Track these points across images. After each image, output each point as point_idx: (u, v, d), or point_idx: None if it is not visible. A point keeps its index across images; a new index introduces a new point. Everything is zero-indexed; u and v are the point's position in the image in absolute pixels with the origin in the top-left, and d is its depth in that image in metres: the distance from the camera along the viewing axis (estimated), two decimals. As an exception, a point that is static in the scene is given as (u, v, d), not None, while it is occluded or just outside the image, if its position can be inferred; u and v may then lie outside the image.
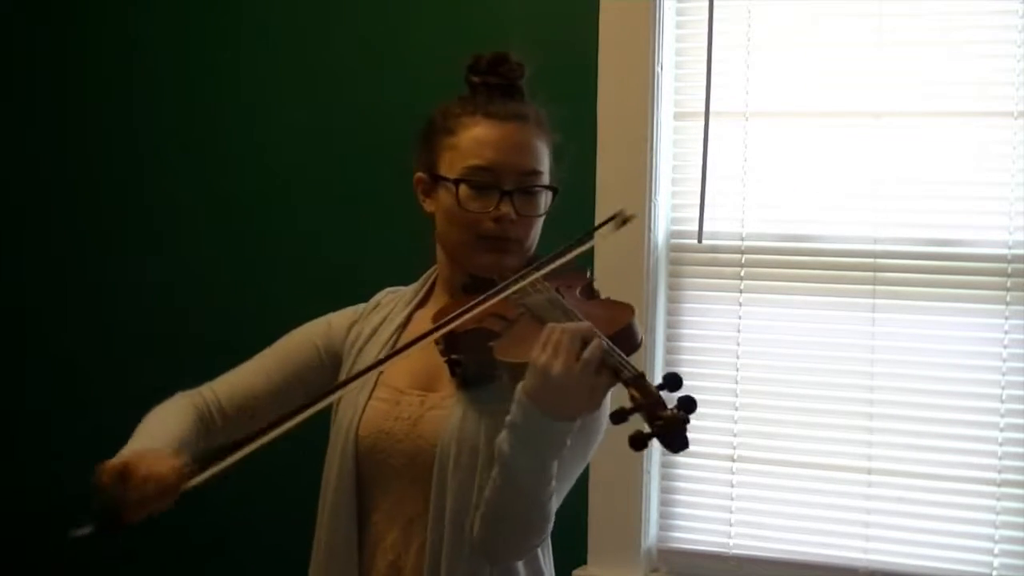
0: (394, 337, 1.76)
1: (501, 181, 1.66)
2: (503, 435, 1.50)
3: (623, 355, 1.44)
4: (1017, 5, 2.32)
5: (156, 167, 2.93)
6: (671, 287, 2.54)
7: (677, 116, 2.54)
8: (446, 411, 1.65)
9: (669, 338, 2.55)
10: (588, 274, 1.73)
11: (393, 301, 1.83)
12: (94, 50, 2.98)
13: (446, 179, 1.69)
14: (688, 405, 1.39)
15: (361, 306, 1.85)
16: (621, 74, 2.50)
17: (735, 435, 2.51)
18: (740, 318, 2.50)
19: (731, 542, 2.53)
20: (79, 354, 3.01)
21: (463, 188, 1.67)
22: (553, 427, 1.47)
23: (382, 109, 2.67)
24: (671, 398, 1.39)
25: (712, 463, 2.53)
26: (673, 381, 1.42)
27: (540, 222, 1.71)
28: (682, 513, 2.56)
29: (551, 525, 1.59)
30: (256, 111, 2.83)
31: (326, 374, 1.79)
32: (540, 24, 2.58)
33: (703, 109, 2.47)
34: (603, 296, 1.71)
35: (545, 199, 1.71)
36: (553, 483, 1.53)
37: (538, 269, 1.62)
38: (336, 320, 1.84)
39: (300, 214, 2.80)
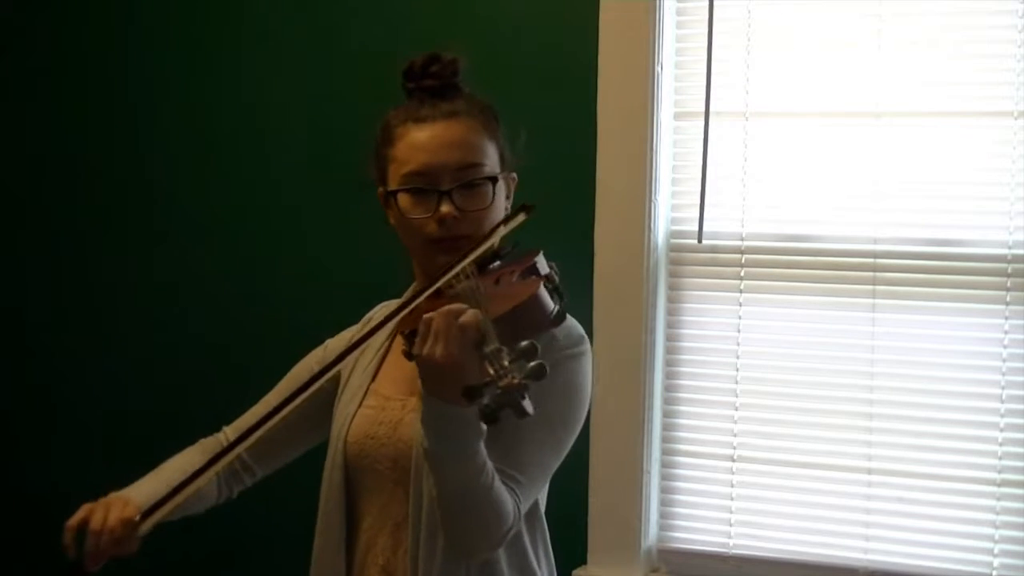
0: (383, 348, 1.79)
1: (437, 182, 1.66)
2: (421, 432, 1.52)
3: (492, 333, 1.43)
4: (1017, 5, 2.32)
5: (156, 167, 2.93)
6: (671, 287, 2.54)
7: (677, 116, 2.54)
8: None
9: (669, 338, 2.55)
10: (536, 256, 1.67)
11: (383, 314, 1.83)
12: (94, 50, 2.98)
13: (388, 191, 1.70)
14: (536, 372, 1.37)
15: (356, 326, 1.87)
16: (621, 74, 2.50)
17: (735, 435, 2.51)
18: (740, 318, 2.50)
19: (731, 542, 2.53)
20: (79, 354, 3.01)
21: (403, 197, 1.68)
22: (457, 413, 1.47)
23: (382, 109, 2.67)
24: (525, 367, 1.38)
25: (712, 463, 2.53)
26: (529, 351, 1.39)
27: (493, 212, 1.69)
28: (682, 513, 2.56)
29: (512, 513, 1.58)
30: (257, 111, 2.84)
31: (332, 398, 1.81)
32: (540, 24, 2.58)
33: (703, 109, 2.47)
34: (550, 272, 1.66)
35: (495, 189, 1.69)
36: (487, 469, 1.53)
37: (462, 260, 1.61)
38: (332, 343, 1.87)
39: (301, 214, 2.80)
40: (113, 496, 1.69)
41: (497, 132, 1.73)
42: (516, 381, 1.36)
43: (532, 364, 1.38)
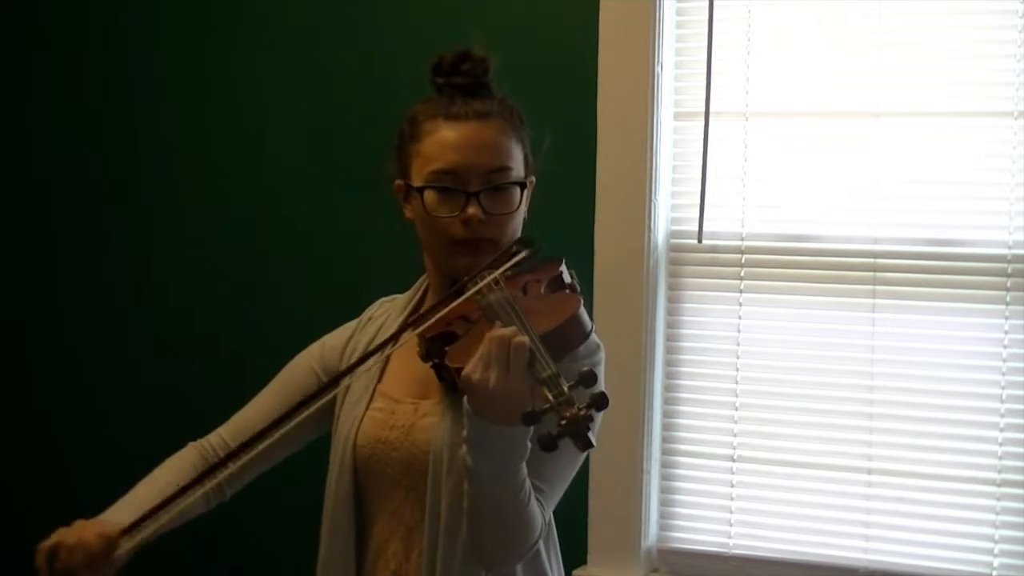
0: (388, 347, 1.75)
1: (466, 183, 1.64)
2: (463, 449, 1.50)
3: (546, 355, 1.42)
4: (1017, 5, 2.32)
5: (156, 167, 2.93)
6: (671, 287, 2.54)
7: (677, 116, 2.54)
8: (438, 417, 1.65)
9: (669, 338, 2.55)
10: (561, 265, 1.69)
11: (387, 311, 1.82)
12: (94, 50, 2.98)
13: (413, 187, 1.68)
14: (599, 402, 1.36)
15: (354, 322, 1.85)
16: (621, 74, 2.50)
17: (735, 435, 2.51)
18: (740, 318, 2.50)
19: (731, 542, 2.53)
20: (79, 355, 3.01)
21: (429, 194, 1.65)
22: (506, 434, 1.46)
23: (382, 109, 2.67)
24: (586, 395, 1.37)
25: (712, 463, 2.53)
26: (587, 379, 1.38)
27: (516, 217, 1.68)
28: (682, 513, 2.56)
29: (540, 527, 1.58)
30: (257, 112, 2.84)
31: (332, 398, 1.78)
32: (540, 24, 2.58)
33: (703, 109, 2.47)
34: (572, 281, 1.68)
35: (519, 194, 1.68)
36: (526, 486, 1.52)
37: (493, 268, 1.60)
38: (330, 340, 1.84)
39: (300, 214, 2.80)
40: (88, 520, 1.65)
41: (524, 136, 1.72)
42: (582, 413, 1.33)
43: (594, 392, 1.36)
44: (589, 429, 1.34)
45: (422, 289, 1.80)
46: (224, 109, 2.87)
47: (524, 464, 1.51)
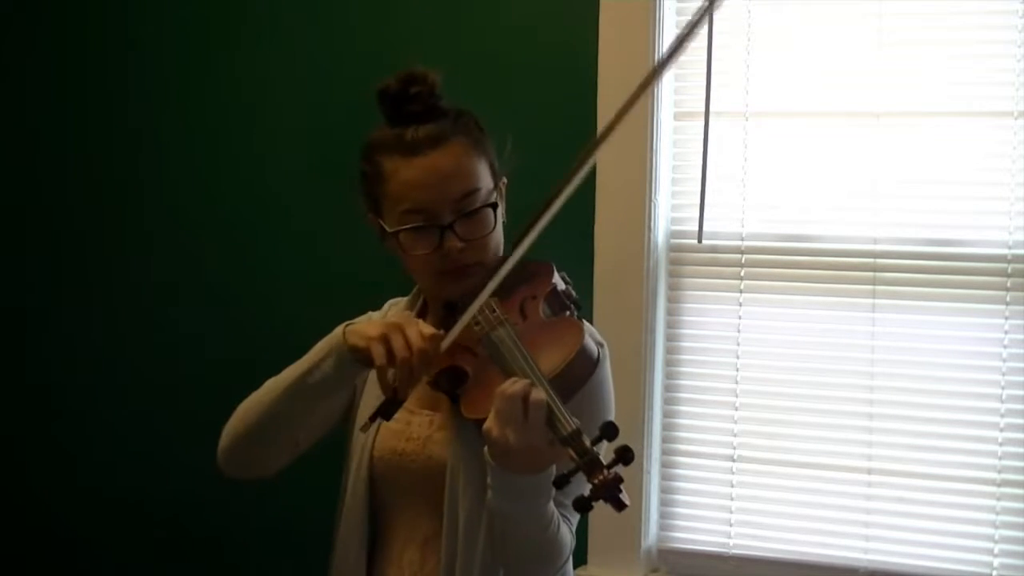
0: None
1: (437, 217, 1.61)
2: (489, 494, 1.51)
3: (563, 409, 1.41)
4: (1017, 5, 2.32)
5: (155, 167, 2.93)
6: (671, 287, 2.54)
7: (677, 116, 2.54)
8: (452, 431, 1.64)
9: (669, 338, 2.55)
10: (553, 274, 1.67)
11: (394, 312, 1.81)
12: (94, 50, 2.98)
13: (386, 231, 1.66)
14: (624, 457, 1.34)
15: (376, 315, 1.83)
16: (621, 74, 2.50)
17: (735, 435, 2.51)
18: (740, 318, 2.50)
19: (731, 542, 2.53)
20: (79, 354, 3.01)
21: (403, 235, 1.64)
22: (527, 480, 1.47)
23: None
24: (609, 449, 1.37)
25: (712, 463, 2.53)
26: (609, 431, 1.37)
27: (496, 235, 1.66)
28: (682, 513, 2.56)
29: (570, 547, 1.60)
30: (255, 111, 2.84)
31: (350, 398, 1.77)
32: (540, 24, 2.58)
33: (703, 109, 2.46)
34: (567, 287, 1.67)
35: (496, 213, 1.66)
36: (555, 518, 1.53)
37: (485, 287, 1.55)
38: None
39: (301, 214, 2.80)
40: (392, 319, 1.58)
41: (485, 145, 1.69)
42: (611, 475, 1.33)
43: (618, 448, 1.35)
44: (620, 491, 1.34)
45: (422, 297, 1.80)
46: (224, 109, 2.87)
47: (551, 503, 1.51)
